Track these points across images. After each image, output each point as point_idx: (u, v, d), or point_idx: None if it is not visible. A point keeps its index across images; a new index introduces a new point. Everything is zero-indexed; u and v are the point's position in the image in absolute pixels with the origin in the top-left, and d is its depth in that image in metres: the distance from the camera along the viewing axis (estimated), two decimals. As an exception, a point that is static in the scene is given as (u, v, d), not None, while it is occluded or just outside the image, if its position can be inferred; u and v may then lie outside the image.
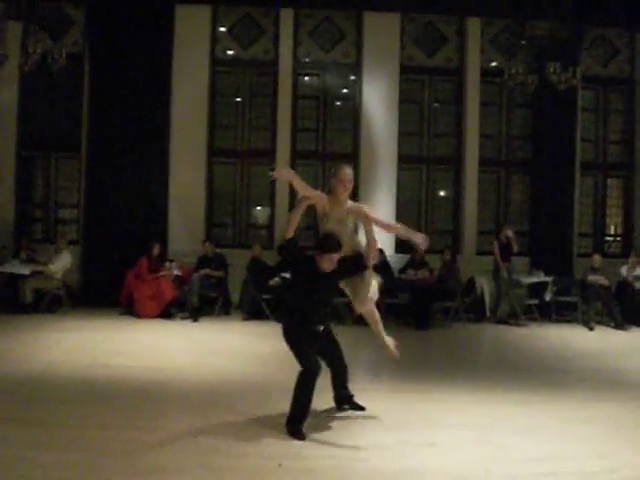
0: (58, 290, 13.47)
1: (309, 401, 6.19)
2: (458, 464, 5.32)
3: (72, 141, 14.74)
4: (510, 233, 13.82)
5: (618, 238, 16.64)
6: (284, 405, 7.14)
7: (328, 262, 6.19)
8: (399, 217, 15.09)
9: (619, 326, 13.27)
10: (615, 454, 6.06)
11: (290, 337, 6.38)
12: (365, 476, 4.92)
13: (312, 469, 5.36)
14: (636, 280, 14.01)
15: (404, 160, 15.45)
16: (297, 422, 6.12)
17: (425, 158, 15.78)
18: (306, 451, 5.80)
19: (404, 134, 15.54)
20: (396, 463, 5.19)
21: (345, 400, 6.91)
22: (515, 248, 13.87)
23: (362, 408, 6.82)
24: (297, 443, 5.96)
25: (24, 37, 13.30)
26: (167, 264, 13.63)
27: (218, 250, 13.90)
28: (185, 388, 7.92)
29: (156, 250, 13.32)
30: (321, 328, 6.36)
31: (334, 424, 6.55)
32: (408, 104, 15.67)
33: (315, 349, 6.35)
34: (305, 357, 6.23)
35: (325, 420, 6.67)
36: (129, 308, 13.02)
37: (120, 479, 5.03)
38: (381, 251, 14.17)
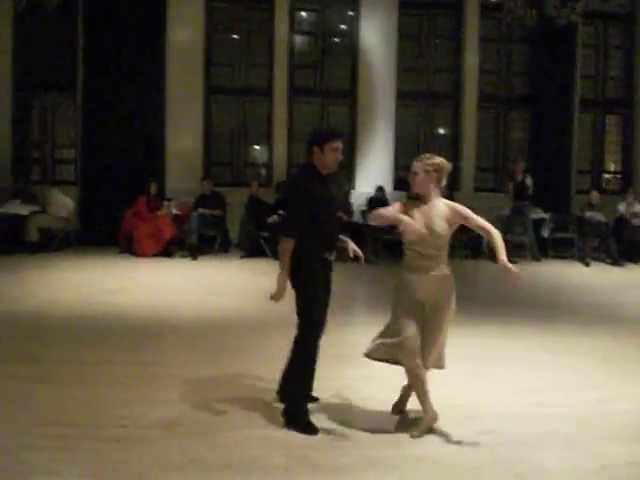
0: (66, 230, 13.59)
1: (311, 376, 5.16)
2: (450, 395, 5.43)
3: (68, 81, 14.60)
4: (529, 180, 13.80)
5: (617, 175, 16.63)
6: (281, 341, 7.26)
7: (333, 155, 5.07)
8: (397, 154, 15.11)
9: (615, 262, 13.37)
10: (607, 386, 6.19)
11: (298, 276, 5.04)
12: (359, 405, 5.04)
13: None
14: (633, 217, 14.06)
15: (402, 96, 15.35)
16: (301, 410, 5.00)
17: (423, 94, 15.67)
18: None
19: (402, 70, 15.41)
20: (389, 394, 5.30)
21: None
22: (531, 190, 13.86)
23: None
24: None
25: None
26: (165, 203, 13.66)
27: (216, 189, 13.90)
28: (184, 324, 8.04)
29: (153, 189, 13.34)
30: (333, 257, 5.15)
31: (330, 359, 6.65)
32: (407, 40, 15.50)
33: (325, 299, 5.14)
34: (311, 307, 5.02)
35: (323, 354, 6.77)
36: (128, 247, 13.10)
37: (119, 410, 5.17)
38: (380, 188, 14.24)
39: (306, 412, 4.95)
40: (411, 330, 4.83)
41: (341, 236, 5.31)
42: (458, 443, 4.72)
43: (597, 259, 13.74)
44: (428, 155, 5.07)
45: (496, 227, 4.95)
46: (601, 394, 5.92)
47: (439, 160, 4.99)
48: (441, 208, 4.89)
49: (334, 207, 5.28)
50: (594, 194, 14.23)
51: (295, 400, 5.01)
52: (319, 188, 5.03)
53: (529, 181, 13.76)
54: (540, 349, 7.28)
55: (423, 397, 4.85)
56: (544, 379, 6.28)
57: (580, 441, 4.86)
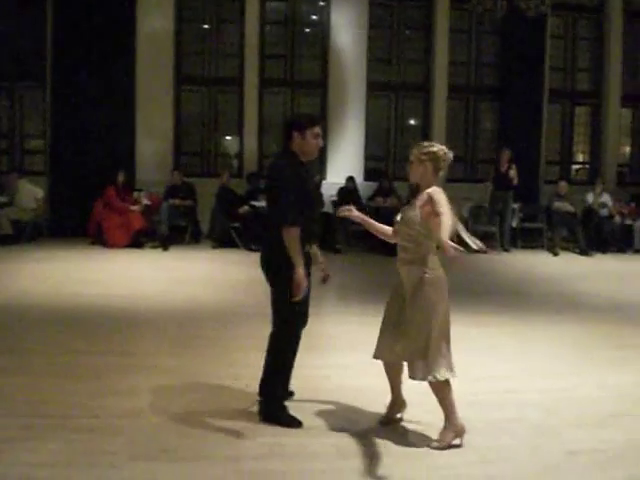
0: (36, 221, 13.48)
1: (288, 369, 5.00)
2: (419, 382, 5.49)
3: (37, 71, 14.41)
4: (513, 170, 13.75)
5: (585, 165, 16.82)
6: (251, 330, 7.31)
7: (315, 141, 4.88)
8: (368, 144, 15.16)
9: (583, 252, 13.53)
10: (574, 373, 6.29)
11: (274, 270, 4.86)
12: (329, 392, 5.08)
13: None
14: (601, 207, 14.23)
15: (373, 87, 15.38)
16: (280, 406, 4.92)
17: (394, 85, 15.72)
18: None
19: (373, 61, 15.44)
20: (359, 380, 5.35)
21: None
22: (515, 180, 13.80)
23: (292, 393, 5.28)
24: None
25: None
26: (136, 194, 13.60)
27: (187, 179, 13.86)
28: (155, 315, 8.04)
29: (121, 177, 13.25)
30: (312, 248, 4.99)
31: (302, 347, 6.68)
32: (377, 30, 15.52)
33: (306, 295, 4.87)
34: (297, 306, 4.81)
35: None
36: (99, 238, 13.02)
37: (93, 401, 5.17)
38: (351, 178, 14.28)
39: (284, 406, 4.88)
40: (384, 321, 4.82)
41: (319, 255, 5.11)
42: (427, 430, 4.78)
43: (565, 249, 13.90)
44: (426, 143, 4.87)
45: (464, 218, 4.93)
46: (568, 381, 6.02)
47: (436, 149, 4.75)
48: (423, 197, 4.62)
49: (318, 196, 5.10)
50: (563, 184, 14.37)
51: (275, 395, 4.91)
52: (303, 176, 4.85)
53: (512, 172, 13.75)
54: (508, 337, 7.38)
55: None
56: (512, 367, 6.37)
57: (547, 427, 4.94)
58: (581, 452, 4.55)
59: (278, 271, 4.77)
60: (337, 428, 4.78)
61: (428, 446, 4.56)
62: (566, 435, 4.82)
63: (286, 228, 4.66)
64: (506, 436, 4.78)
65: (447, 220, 4.38)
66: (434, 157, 4.70)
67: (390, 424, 4.91)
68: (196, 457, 4.34)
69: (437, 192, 4.57)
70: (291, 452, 4.44)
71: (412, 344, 4.57)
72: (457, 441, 4.60)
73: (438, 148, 4.75)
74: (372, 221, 5.05)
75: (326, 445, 4.55)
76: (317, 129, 4.88)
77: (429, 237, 4.57)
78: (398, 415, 4.96)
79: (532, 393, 5.67)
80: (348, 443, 4.58)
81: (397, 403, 4.94)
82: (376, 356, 4.83)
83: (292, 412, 4.87)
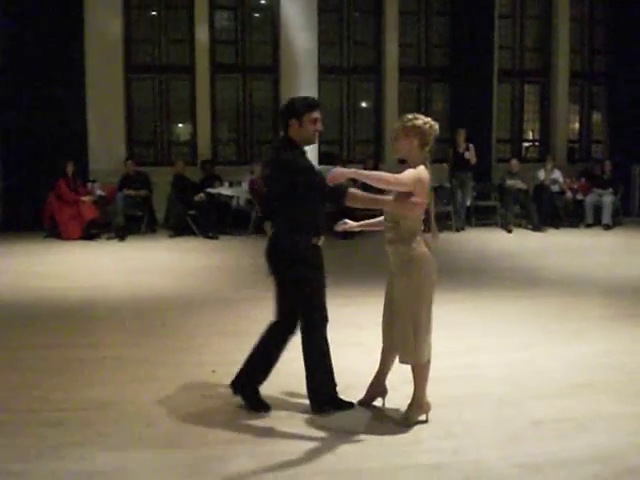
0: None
1: (324, 371, 4.83)
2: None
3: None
4: (471, 147, 13.85)
5: (535, 143, 17.07)
6: (213, 316, 7.34)
7: (313, 127, 4.70)
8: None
9: (536, 228, 13.76)
10: (531, 345, 6.44)
11: (281, 263, 4.73)
12: (295, 375, 5.12)
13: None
14: (552, 183, 14.47)
15: (325, 71, 15.39)
16: (325, 395, 4.83)
17: (346, 68, 15.75)
18: (238, 357, 5.96)
19: (324, 44, 15.44)
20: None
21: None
22: (473, 160, 13.92)
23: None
24: (228, 349, 6.12)
25: None
26: (89, 185, 13.46)
27: (140, 168, 13.75)
28: (116, 305, 8.00)
29: (70, 168, 13.04)
30: (321, 242, 4.81)
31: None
32: (328, 14, 15.52)
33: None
34: (314, 300, 4.74)
35: (257, 327, 6.84)
36: (53, 230, 12.87)
37: (59, 395, 5.15)
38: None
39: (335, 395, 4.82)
40: (384, 304, 4.84)
41: None
42: (393, 406, 4.87)
43: (519, 225, 14.11)
44: (410, 116, 4.64)
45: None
46: (528, 354, 6.16)
47: (420, 122, 4.58)
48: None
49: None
50: (514, 162, 14.58)
51: (322, 388, 4.80)
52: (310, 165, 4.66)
53: (467, 153, 13.83)
54: (466, 314, 7.49)
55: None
56: (471, 342, 6.49)
57: (510, 400, 5.06)
58: (545, 422, 4.68)
59: (285, 264, 4.68)
60: (303, 411, 4.83)
61: (396, 423, 4.64)
62: (529, 406, 4.95)
63: (346, 200, 4.56)
64: (470, 410, 4.88)
65: (404, 178, 4.46)
66: (420, 131, 4.55)
67: (369, 405, 4.95)
68: (166, 445, 4.36)
69: (412, 172, 4.52)
70: (261, 434, 4.49)
71: (402, 330, 4.60)
72: (423, 417, 4.69)
73: (423, 121, 4.59)
74: (367, 221, 5.03)
75: (296, 426, 4.60)
76: (315, 113, 4.69)
77: (409, 217, 4.56)
78: (379, 401, 4.98)
79: (493, 367, 5.79)
80: (321, 423, 4.64)
81: (380, 388, 4.95)
82: (383, 341, 4.87)
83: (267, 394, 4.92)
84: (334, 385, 4.82)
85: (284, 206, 4.70)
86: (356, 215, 5.68)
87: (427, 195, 4.57)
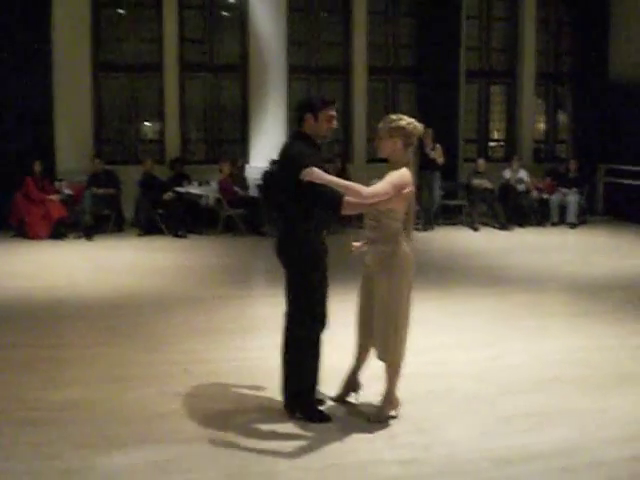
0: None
1: (316, 368, 4.78)
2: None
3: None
4: (438, 147, 13.83)
5: (501, 143, 17.25)
6: (183, 315, 7.34)
7: (328, 124, 4.75)
8: (290, 127, 15.19)
9: (502, 227, 13.91)
10: (498, 342, 6.55)
11: (289, 257, 4.76)
12: (267, 373, 5.16)
13: (216, 371, 5.60)
14: (518, 182, 14.64)
15: (293, 70, 15.41)
16: (310, 400, 4.80)
17: (314, 68, 15.80)
18: (210, 355, 6.02)
19: (293, 44, 15.46)
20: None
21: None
22: (440, 160, 13.87)
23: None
24: (200, 348, 6.16)
25: None
26: (57, 184, 13.35)
27: (108, 167, 13.67)
28: (84, 305, 7.96)
29: (37, 167, 12.91)
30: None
31: (236, 330, 6.76)
32: (296, 13, 15.54)
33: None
34: (315, 299, 4.73)
35: (228, 326, 6.87)
36: (20, 230, 12.74)
37: (29, 394, 5.14)
38: (274, 162, 14.30)
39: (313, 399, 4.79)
40: (358, 303, 4.89)
41: None
42: (364, 403, 4.92)
43: (485, 224, 14.23)
44: (393, 116, 4.71)
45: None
46: (495, 351, 6.27)
47: (404, 122, 4.63)
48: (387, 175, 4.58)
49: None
50: (480, 162, 14.73)
51: (300, 395, 4.76)
52: (320, 161, 4.67)
53: (433, 153, 13.77)
54: (434, 311, 7.55)
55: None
56: (439, 340, 6.57)
57: (479, 396, 5.15)
58: (515, 417, 4.78)
59: (293, 258, 4.70)
60: (276, 408, 4.87)
61: (368, 420, 4.70)
62: (498, 402, 5.04)
63: (342, 209, 4.50)
64: (439, 406, 4.96)
65: (380, 189, 4.46)
66: (404, 132, 4.60)
67: (343, 401, 5.00)
68: (137, 442, 4.38)
69: (396, 174, 4.55)
70: (237, 431, 4.52)
71: (383, 328, 4.64)
72: (393, 413, 4.76)
73: (407, 122, 4.63)
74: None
75: (272, 423, 4.64)
76: (331, 111, 4.73)
77: (390, 217, 4.60)
78: (352, 397, 5.03)
79: (461, 364, 5.88)
80: (291, 424, 4.69)
81: (354, 384, 5.01)
82: (358, 338, 4.90)
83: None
84: (313, 394, 4.78)
85: (291, 201, 4.66)
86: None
87: (408, 196, 4.61)
